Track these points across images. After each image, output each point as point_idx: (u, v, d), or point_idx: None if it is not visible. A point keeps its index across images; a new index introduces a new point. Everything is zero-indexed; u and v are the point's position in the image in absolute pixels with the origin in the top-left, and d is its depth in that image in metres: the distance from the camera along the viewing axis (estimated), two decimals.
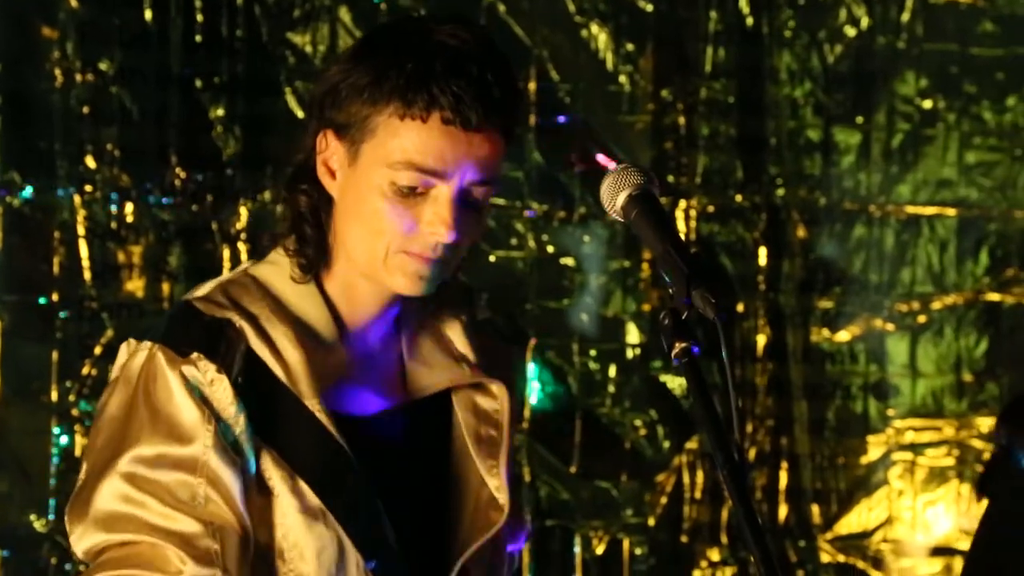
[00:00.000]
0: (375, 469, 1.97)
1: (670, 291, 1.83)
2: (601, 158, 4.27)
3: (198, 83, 4.04)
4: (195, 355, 1.92)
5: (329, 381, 1.98)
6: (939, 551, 4.41)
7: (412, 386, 2.06)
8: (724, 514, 4.28)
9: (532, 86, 4.28)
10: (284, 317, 1.97)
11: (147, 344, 1.94)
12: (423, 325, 2.08)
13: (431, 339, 2.08)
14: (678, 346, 1.81)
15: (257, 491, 1.94)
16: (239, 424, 1.93)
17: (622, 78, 4.36)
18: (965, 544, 4.39)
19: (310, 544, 1.95)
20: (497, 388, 2.08)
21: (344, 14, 4.14)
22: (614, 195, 1.89)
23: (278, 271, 2.01)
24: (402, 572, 1.99)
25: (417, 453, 2.06)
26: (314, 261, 2.00)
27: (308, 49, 4.11)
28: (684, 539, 4.32)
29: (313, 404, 1.95)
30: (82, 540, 1.92)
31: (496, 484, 2.04)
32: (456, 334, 2.09)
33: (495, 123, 1.94)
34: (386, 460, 2.01)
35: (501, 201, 4.28)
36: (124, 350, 1.97)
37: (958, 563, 4.41)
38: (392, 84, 1.93)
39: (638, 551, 4.30)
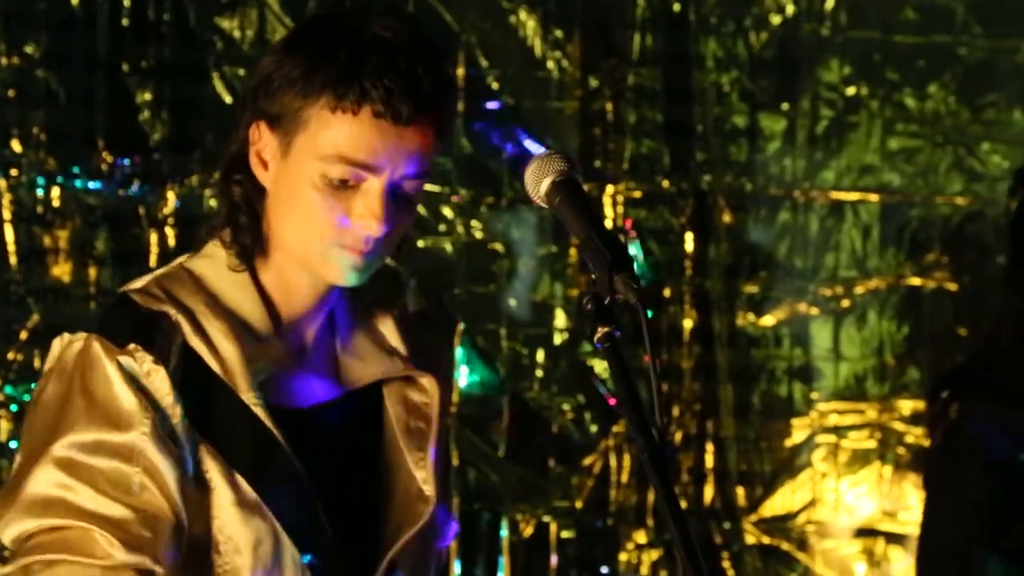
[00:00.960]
0: (312, 462, 1.99)
1: (593, 276, 1.85)
2: (529, 144, 4.29)
3: (125, 67, 4.03)
4: (132, 346, 1.93)
5: (265, 374, 1.99)
6: (862, 532, 4.46)
7: (346, 378, 2.08)
8: (650, 497, 4.31)
9: (461, 72, 4.29)
10: (219, 311, 1.98)
11: (82, 335, 1.95)
12: (356, 318, 2.10)
13: (364, 332, 2.10)
14: (600, 331, 1.83)
15: (194, 484, 1.95)
16: (176, 415, 1.93)
17: (550, 64, 4.37)
18: (887, 525, 4.44)
19: (246, 537, 1.96)
20: (427, 381, 2.10)
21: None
22: (538, 182, 1.91)
23: (213, 264, 2.02)
24: (338, 565, 2.00)
25: (352, 445, 2.07)
26: (250, 250, 2.01)
27: (236, 34, 4.11)
28: (611, 522, 4.36)
29: (248, 397, 1.96)
30: (10, 527, 1.92)
31: (423, 476, 2.07)
32: (388, 327, 2.11)
33: (427, 116, 1.96)
34: (322, 453, 2.02)
35: (430, 187, 4.28)
36: (57, 344, 1.97)
37: (880, 544, 4.46)
38: (324, 76, 1.94)
39: (565, 534, 4.33)
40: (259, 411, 1.95)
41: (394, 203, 1.97)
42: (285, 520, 1.96)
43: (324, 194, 1.95)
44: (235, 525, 1.94)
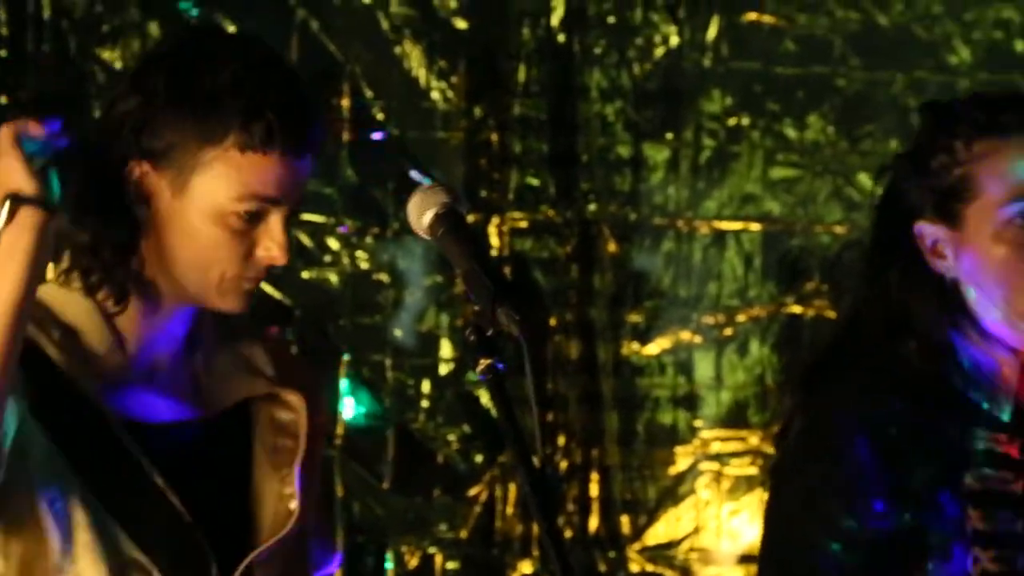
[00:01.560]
0: (167, 475, 1.98)
1: (476, 308, 1.87)
2: (414, 175, 4.29)
3: (3, 99, 3.98)
4: None
5: (109, 383, 1.99)
6: (745, 559, 4.49)
7: (207, 400, 2.07)
8: (536, 527, 4.32)
9: (345, 103, 4.28)
10: (52, 322, 1.97)
11: None
12: (219, 341, 2.10)
13: (228, 354, 2.11)
14: (483, 363, 1.84)
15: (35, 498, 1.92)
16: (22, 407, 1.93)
17: (435, 95, 4.39)
18: None
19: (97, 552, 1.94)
20: (295, 399, 2.11)
21: (154, 29, 4.11)
22: (420, 214, 1.92)
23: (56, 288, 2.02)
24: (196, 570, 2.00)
25: (215, 464, 2.07)
26: (123, 288, 2.01)
27: (117, 65, 4.08)
28: (496, 552, 4.36)
29: (92, 394, 1.95)
30: None
31: (289, 491, 2.08)
32: (254, 350, 2.13)
33: (317, 147, 2.00)
34: (179, 468, 2.02)
35: (315, 218, 4.28)
36: None
37: None
38: (226, 118, 1.95)
39: (450, 565, 4.33)
40: (108, 416, 1.95)
41: None
42: (133, 530, 1.96)
43: (231, 232, 1.97)
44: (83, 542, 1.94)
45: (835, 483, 2.37)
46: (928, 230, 2.44)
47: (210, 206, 1.96)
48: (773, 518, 2.47)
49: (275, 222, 1.97)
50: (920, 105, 2.52)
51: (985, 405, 2.42)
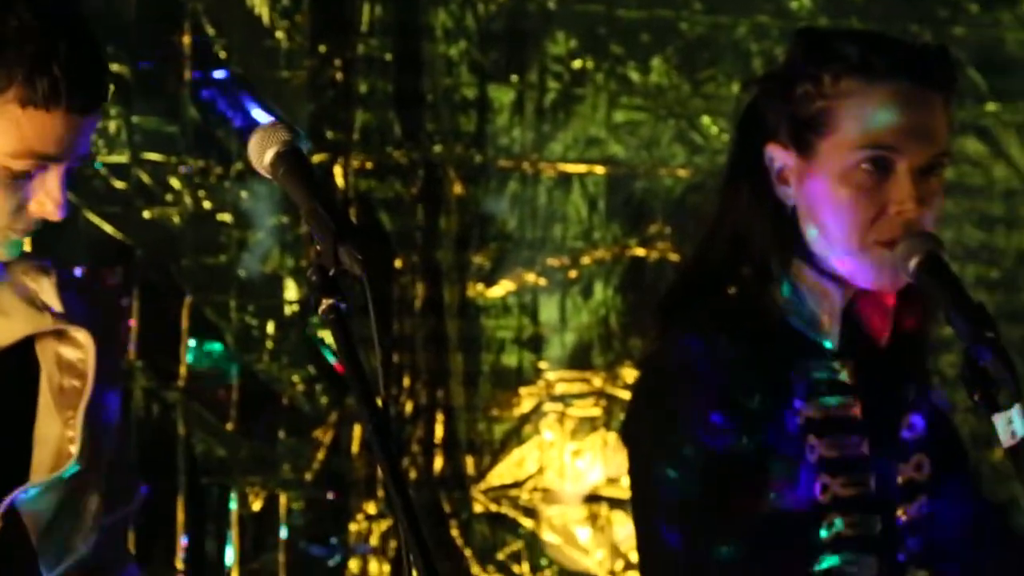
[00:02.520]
0: None
1: (317, 248, 1.85)
2: (258, 114, 4.24)
3: None
4: None
5: None
6: (587, 498, 4.54)
7: None
8: (380, 469, 4.32)
9: (187, 40, 4.22)
10: None
11: None
12: (3, 278, 2.04)
13: (10, 290, 2.05)
14: (325, 303, 1.83)
15: None
16: None
17: (279, 34, 4.33)
18: (611, 491, 4.53)
19: None
20: (83, 336, 2.06)
21: None
22: (261, 152, 1.90)
23: None
24: None
25: None
26: None
27: None
28: (341, 493, 4.35)
29: None
30: None
31: (71, 435, 2.03)
32: (42, 285, 2.06)
33: (104, 101, 1.96)
34: None
35: (156, 156, 4.22)
36: None
37: (604, 509, 4.54)
38: (12, 69, 1.90)
39: (295, 506, 4.31)
40: None
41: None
42: None
43: (3, 184, 1.93)
44: None
45: (672, 407, 2.39)
46: (778, 154, 2.46)
47: None
48: (630, 457, 2.50)
49: (52, 178, 1.93)
50: (795, 30, 2.52)
51: (811, 334, 2.46)
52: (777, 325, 2.43)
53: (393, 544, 4.36)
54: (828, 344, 2.45)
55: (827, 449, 2.41)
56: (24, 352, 2.04)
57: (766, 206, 2.45)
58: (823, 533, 2.40)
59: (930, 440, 2.55)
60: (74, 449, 2.01)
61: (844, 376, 2.45)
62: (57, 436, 2.03)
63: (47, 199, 1.93)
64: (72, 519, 2.07)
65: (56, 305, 2.05)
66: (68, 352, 2.05)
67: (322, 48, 4.38)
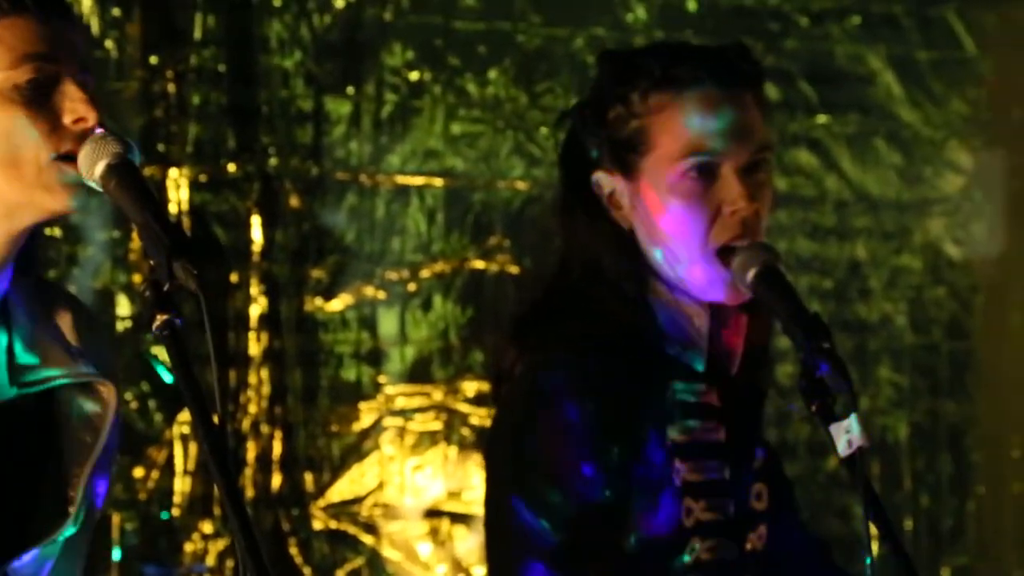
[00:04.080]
0: None
1: (152, 263, 1.81)
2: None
3: None
4: None
5: None
6: (428, 513, 4.51)
7: (20, 379, 1.91)
8: (216, 487, 4.25)
9: None
10: None
11: None
12: (36, 309, 1.94)
13: (45, 327, 1.94)
14: (159, 318, 1.79)
15: None
16: None
17: (109, 44, 4.25)
18: (452, 506, 4.51)
19: None
20: (106, 390, 1.95)
21: None
22: (92, 164, 1.85)
23: None
24: None
25: (15, 450, 1.91)
26: None
27: None
28: (176, 512, 4.28)
29: None
30: None
31: (72, 495, 1.93)
32: (66, 324, 1.96)
33: (69, 11, 1.95)
34: None
35: None
36: None
37: (445, 524, 4.52)
38: None
39: (128, 526, 4.23)
40: None
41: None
42: None
43: (25, 109, 1.87)
44: None
45: (542, 453, 2.36)
46: (605, 180, 2.46)
47: None
48: (489, 488, 2.45)
49: (69, 87, 1.89)
50: (598, 55, 2.53)
51: (680, 357, 2.44)
52: (643, 347, 2.42)
53: (230, 564, 4.30)
54: (698, 366, 2.44)
55: (691, 473, 2.40)
56: (44, 397, 1.93)
57: (605, 233, 2.45)
58: (685, 558, 2.39)
59: (768, 470, 2.56)
60: (72, 510, 1.92)
61: (711, 399, 2.45)
62: (59, 494, 1.93)
63: (75, 104, 1.88)
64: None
65: (77, 345, 1.94)
66: (88, 404, 1.95)
67: (153, 59, 4.30)
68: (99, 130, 1.83)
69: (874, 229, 5.15)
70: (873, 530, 2.28)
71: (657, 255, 2.44)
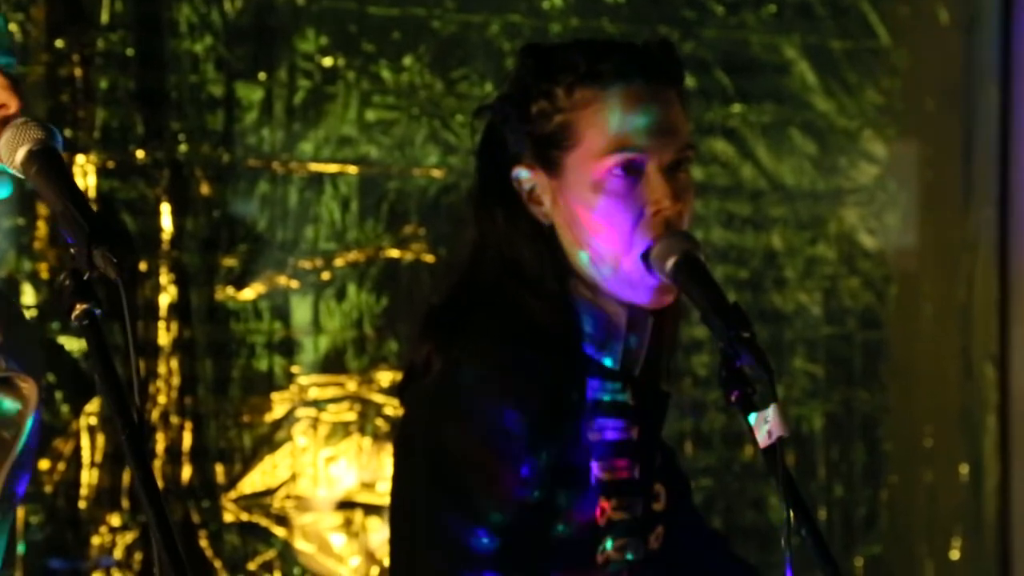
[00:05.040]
0: None
1: (71, 251, 1.77)
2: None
3: None
4: None
5: None
6: (341, 505, 4.46)
7: None
8: (126, 478, 4.18)
9: None
10: None
11: None
12: None
13: None
14: (79, 308, 1.75)
15: None
16: None
17: (13, 27, 4.15)
18: (365, 497, 4.46)
19: None
20: (27, 387, 1.90)
21: None
22: (13, 150, 1.80)
23: None
24: None
25: None
26: None
27: None
28: (83, 505, 4.19)
29: None
30: None
31: None
32: None
33: None
34: None
35: None
36: None
37: (359, 516, 4.47)
38: None
39: (33, 520, 4.14)
40: None
41: None
42: None
43: None
44: None
45: (473, 458, 2.33)
46: (526, 176, 2.44)
47: None
48: (403, 488, 2.41)
49: None
50: (520, 48, 2.50)
51: (596, 356, 2.42)
52: (563, 344, 2.40)
53: (138, 557, 4.23)
54: (613, 365, 2.42)
55: (605, 472, 2.39)
56: None
57: (524, 229, 2.43)
58: (598, 556, 2.38)
59: (665, 470, 2.55)
60: None
61: (626, 398, 2.43)
62: None
63: None
64: None
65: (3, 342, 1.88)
66: (7, 401, 1.89)
67: (59, 43, 4.21)
68: (20, 117, 1.78)
69: (789, 219, 5.16)
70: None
71: (580, 255, 2.42)
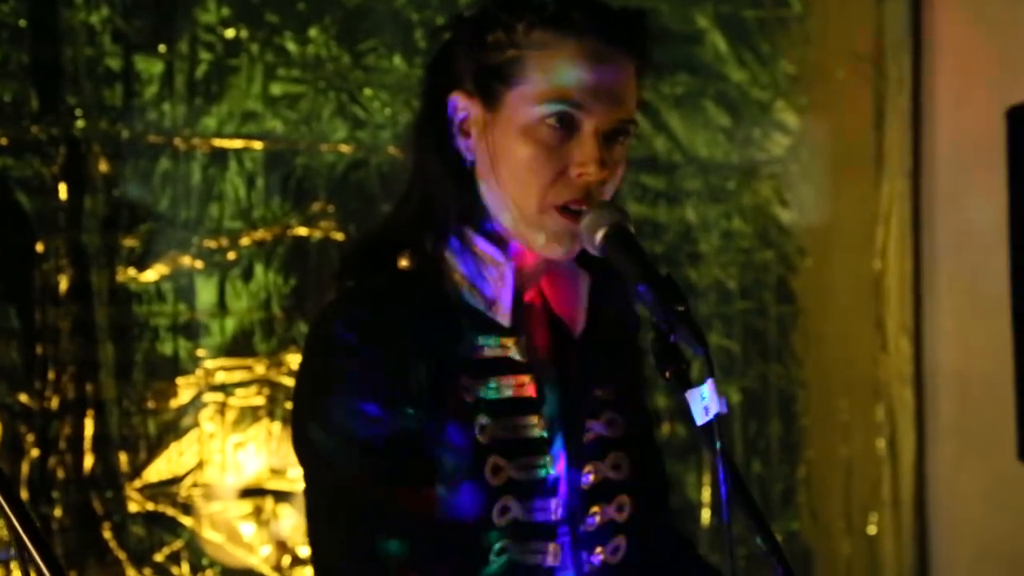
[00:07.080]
0: None
1: None
2: None
3: None
4: None
5: None
6: (249, 492, 4.34)
7: None
8: (25, 468, 4.03)
9: None
10: None
11: None
12: None
13: None
14: None
15: None
16: None
17: None
18: (275, 483, 4.35)
19: None
20: None
21: None
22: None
23: None
24: None
25: None
26: None
27: None
28: None
29: None
30: None
31: None
32: None
33: None
34: None
35: None
36: None
37: (269, 503, 4.36)
38: None
39: None
40: None
41: None
42: None
43: None
44: None
45: (325, 391, 2.30)
46: (462, 103, 2.41)
47: None
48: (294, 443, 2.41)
49: None
50: None
51: (485, 310, 2.39)
52: (449, 298, 2.36)
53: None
54: (504, 322, 2.38)
55: (499, 430, 2.34)
56: None
57: (447, 161, 2.39)
58: (496, 516, 2.33)
59: (630, 440, 2.49)
60: None
61: (515, 354, 2.39)
62: None
63: None
64: None
65: None
66: None
67: None
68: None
69: (704, 192, 5.09)
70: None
71: (486, 194, 2.38)
